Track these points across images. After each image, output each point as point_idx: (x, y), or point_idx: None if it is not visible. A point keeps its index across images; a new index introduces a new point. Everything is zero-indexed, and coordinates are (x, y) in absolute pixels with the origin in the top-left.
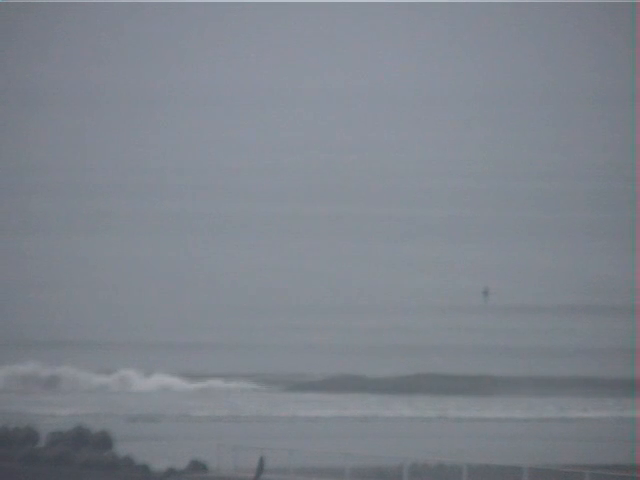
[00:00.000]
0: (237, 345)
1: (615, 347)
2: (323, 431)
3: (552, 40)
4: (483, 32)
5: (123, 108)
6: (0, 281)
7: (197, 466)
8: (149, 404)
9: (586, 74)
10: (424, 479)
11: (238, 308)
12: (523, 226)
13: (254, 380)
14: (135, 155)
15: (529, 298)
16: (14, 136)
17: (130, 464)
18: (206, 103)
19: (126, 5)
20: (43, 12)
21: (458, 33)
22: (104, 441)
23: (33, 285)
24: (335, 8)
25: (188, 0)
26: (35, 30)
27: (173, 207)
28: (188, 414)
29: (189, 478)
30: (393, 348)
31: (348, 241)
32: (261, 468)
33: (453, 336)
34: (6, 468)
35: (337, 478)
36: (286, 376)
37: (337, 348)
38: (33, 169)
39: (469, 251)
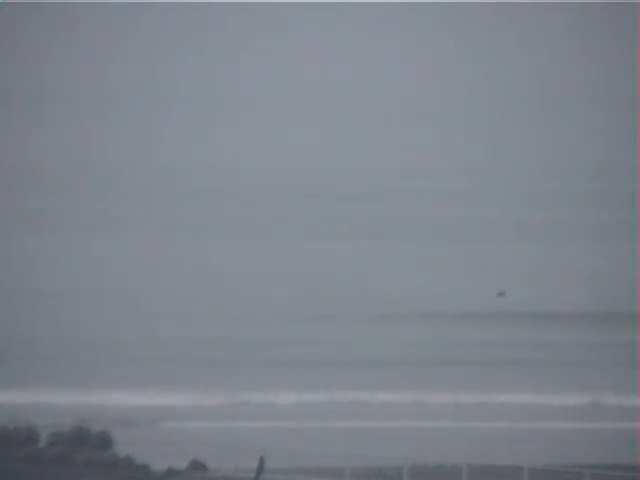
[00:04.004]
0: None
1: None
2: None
3: (551, 40)
4: (482, 32)
5: (126, 107)
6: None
7: (197, 466)
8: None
9: (586, 74)
10: (424, 479)
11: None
12: (522, 226)
13: None
14: (137, 155)
15: (529, 301)
16: (16, 136)
17: (130, 464)
18: (207, 103)
19: (127, 5)
20: (44, 12)
21: (457, 33)
22: (104, 441)
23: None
24: (334, 8)
25: (190, 0)
26: (35, 30)
27: (176, 208)
28: None
29: (189, 478)
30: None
31: (347, 242)
32: (261, 468)
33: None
34: (6, 468)
35: (337, 478)
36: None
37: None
38: (36, 169)
39: (470, 252)
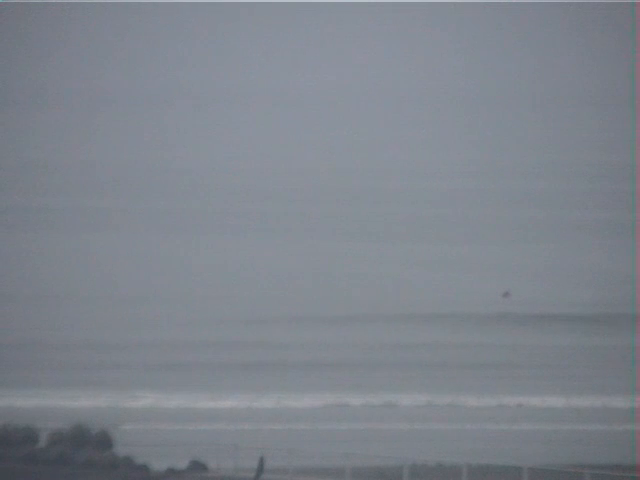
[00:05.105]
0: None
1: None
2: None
3: (552, 40)
4: (482, 32)
5: (125, 108)
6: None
7: (197, 466)
8: None
9: (586, 74)
10: (424, 479)
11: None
12: (523, 226)
13: None
14: (138, 154)
15: (529, 303)
16: (17, 135)
17: (130, 464)
18: (205, 103)
19: (126, 5)
20: (44, 12)
21: (457, 33)
22: (104, 441)
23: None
24: (335, 8)
25: (189, 0)
26: (36, 30)
27: (177, 206)
28: None
29: (189, 478)
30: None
31: (347, 241)
32: (261, 468)
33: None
34: (6, 468)
35: (337, 478)
36: None
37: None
38: (37, 167)
39: (469, 252)
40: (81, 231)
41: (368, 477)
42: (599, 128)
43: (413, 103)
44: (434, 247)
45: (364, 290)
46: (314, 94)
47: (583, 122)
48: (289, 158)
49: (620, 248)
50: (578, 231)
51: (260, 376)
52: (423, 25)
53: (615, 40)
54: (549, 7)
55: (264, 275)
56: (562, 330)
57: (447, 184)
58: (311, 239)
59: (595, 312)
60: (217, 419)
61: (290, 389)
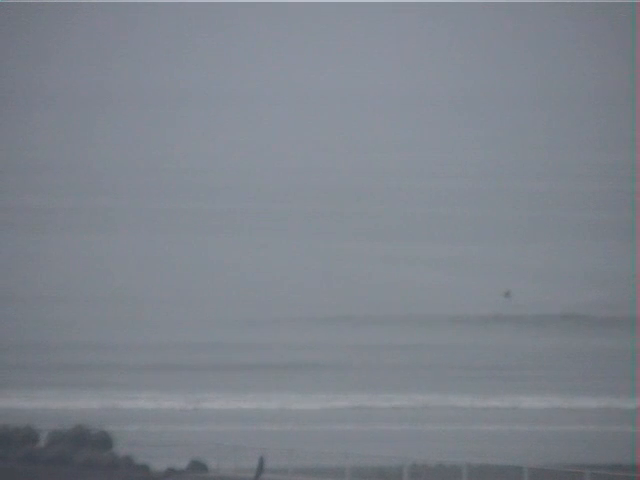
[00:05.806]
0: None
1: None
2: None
3: (552, 40)
4: (482, 32)
5: (126, 107)
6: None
7: (197, 466)
8: None
9: (586, 74)
10: (424, 479)
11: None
12: (523, 226)
13: None
14: (139, 154)
15: (529, 303)
16: (17, 135)
17: (130, 464)
18: (205, 103)
19: (126, 5)
20: (44, 12)
21: (457, 33)
22: (104, 441)
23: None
24: (334, 9)
25: (188, 0)
26: (36, 30)
27: (176, 206)
28: None
29: (189, 478)
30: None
31: (347, 241)
32: (261, 468)
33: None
34: (6, 468)
35: (337, 478)
36: None
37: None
38: (37, 168)
39: (470, 252)
40: (81, 231)
41: (368, 477)
42: (599, 128)
43: (413, 103)
44: (434, 247)
45: (364, 290)
46: (315, 94)
47: (583, 122)
48: (290, 158)
49: (620, 248)
50: (578, 231)
51: (260, 377)
52: (423, 25)
53: (615, 40)
54: (549, 7)
55: (264, 275)
56: (562, 330)
57: (447, 184)
58: (310, 239)
59: (595, 313)
60: (217, 420)
61: (290, 390)
